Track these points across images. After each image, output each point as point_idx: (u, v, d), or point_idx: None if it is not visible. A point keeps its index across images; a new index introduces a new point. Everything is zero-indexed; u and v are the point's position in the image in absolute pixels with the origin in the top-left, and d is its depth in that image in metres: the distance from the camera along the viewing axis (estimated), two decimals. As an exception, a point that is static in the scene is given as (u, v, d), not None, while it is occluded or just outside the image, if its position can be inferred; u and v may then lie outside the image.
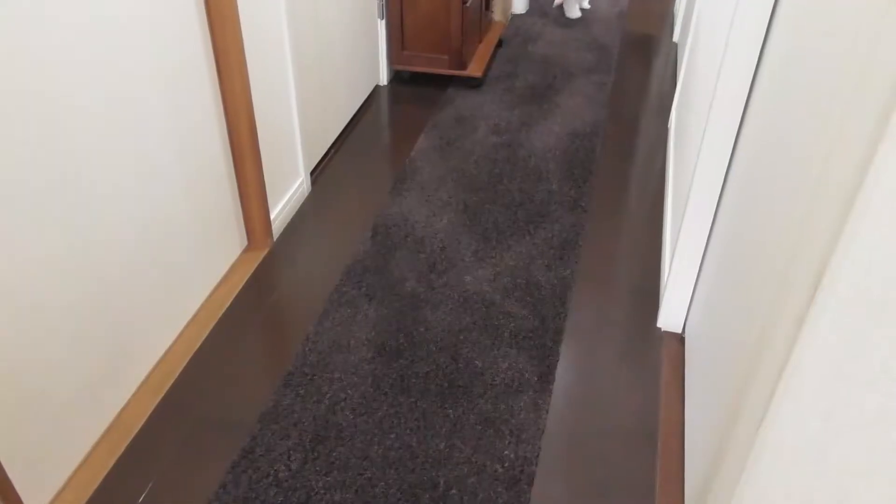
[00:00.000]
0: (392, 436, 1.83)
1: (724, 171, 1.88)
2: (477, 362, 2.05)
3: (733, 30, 1.70)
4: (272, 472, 1.74)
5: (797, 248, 0.94)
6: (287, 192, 2.67)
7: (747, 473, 0.99)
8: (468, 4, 3.50)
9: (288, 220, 2.67)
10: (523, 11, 4.69)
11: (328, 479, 1.72)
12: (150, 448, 1.81)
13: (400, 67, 3.69)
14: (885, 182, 0.67)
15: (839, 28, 1.05)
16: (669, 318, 2.18)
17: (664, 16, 4.77)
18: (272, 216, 2.53)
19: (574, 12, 4.28)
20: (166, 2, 1.83)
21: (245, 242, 2.48)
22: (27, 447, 1.56)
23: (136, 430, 1.85)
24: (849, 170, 0.76)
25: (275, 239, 2.56)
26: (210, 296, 2.27)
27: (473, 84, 3.70)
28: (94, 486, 1.72)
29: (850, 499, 0.66)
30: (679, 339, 2.17)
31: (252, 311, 2.26)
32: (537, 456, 1.79)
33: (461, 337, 2.13)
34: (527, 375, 2.01)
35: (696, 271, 2.06)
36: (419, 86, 3.71)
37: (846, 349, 0.70)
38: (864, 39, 0.88)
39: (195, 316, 2.19)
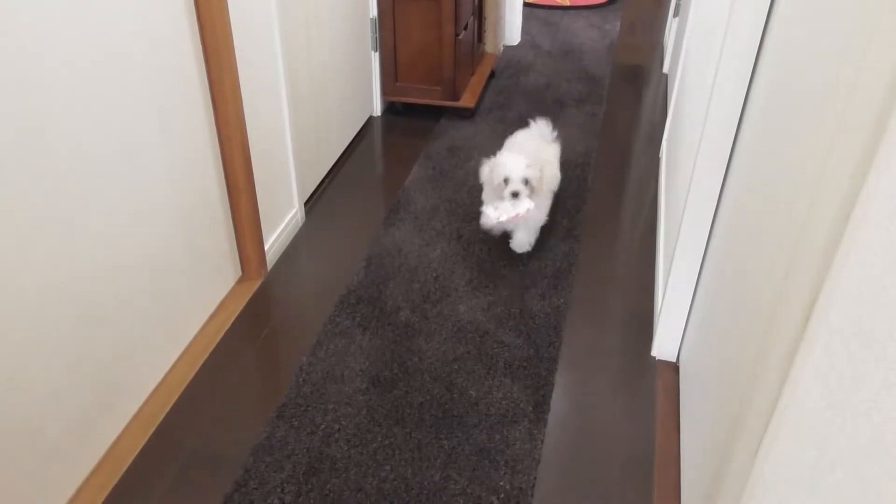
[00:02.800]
0: (387, 467, 1.81)
1: (716, 199, 1.90)
2: (471, 392, 2.04)
3: (722, 61, 1.73)
4: (266, 505, 1.72)
5: (789, 278, 0.95)
6: (281, 223, 2.67)
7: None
8: (461, 37, 3.55)
9: (282, 250, 2.67)
10: (515, 43, 4.75)
11: (322, 512, 1.70)
12: (143, 482, 1.79)
13: (393, 99, 3.72)
14: (873, 213, 0.68)
15: (826, 59, 1.07)
16: (664, 346, 2.18)
17: (654, 47, 4.84)
18: (266, 247, 2.53)
19: (489, 220, 2.51)
20: (161, 33, 1.86)
21: (239, 273, 2.48)
22: (18, 480, 1.55)
23: (128, 464, 1.83)
24: (838, 199, 0.77)
25: (269, 269, 2.56)
26: (204, 327, 2.26)
27: (466, 115, 3.73)
28: (85, 522, 1.69)
29: (847, 529, 0.66)
30: (674, 367, 2.17)
31: (246, 341, 2.25)
32: (533, 486, 1.78)
33: (455, 367, 2.13)
34: (521, 405, 2.00)
35: (690, 300, 2.07)
36: (412, 117, 3.74)
37: (839, 379, 0.70)
38: (850, 71, 0.90)
39: (189, 347, 2.18)
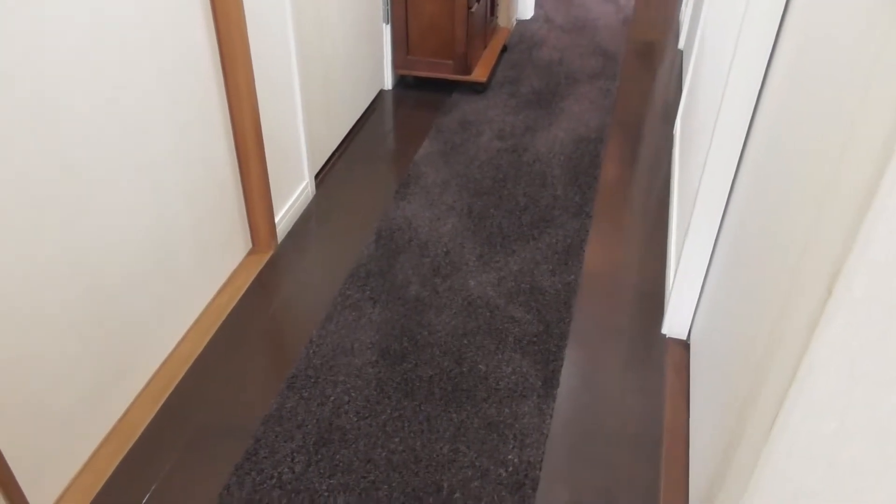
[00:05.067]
0: (396, 439, 1.82)
1: (732, 175, 1.88)
2: (481, 366, 2.04)
3: (741, 36, 1.70)
4: (276, 474, 1.73)
5: (809, 250, 0.93)
6: (292, 196, 2.67)
7: (757, 476, 0.99)
8: (473, 10, 3.51)
9: (292, 223, 2.67)
10: (528, 17, 4.70)
11: (332, 481, 1.71)
12: (154, 451, 1.81)
13: (405, 72, 3.69)
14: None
15: (849, 30, 1.05)
16: (674, 324, 2.17)
17: (669, 23, 4.78)
18: (277, 219, 2.53)
19: None
20: (172, 4, 1.84)
21: (249, 245, 2.48)
22: (32, 450, 1.56)
23: (139, 434, 1.85)
24: (864, 171, 0.76)
25: (279, 242, 2.56)
26: (214, 299, 2.27)
27: (478, 89, 3.70)
28: (97, 489, 1.71)
29: (862, 499, 0.66)
30: (684, 345, 2.16)
31: (256, 314, 2.25)
32: (541, 461, 1.78)
33: (465, 341, 2.13)
34: (531, 380, 2.00)
35: (702, 277, 2.06)
36: (424, 90, 3.72)
37: (861, 349, 0.69)
38: (874, 40, 0.88)
39: (199, 319, 2.19)
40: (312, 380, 1.99)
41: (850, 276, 0.72)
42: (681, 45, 4.28)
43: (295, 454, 1.78)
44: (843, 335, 0.72)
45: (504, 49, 4.17)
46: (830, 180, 0.92)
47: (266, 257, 2.48)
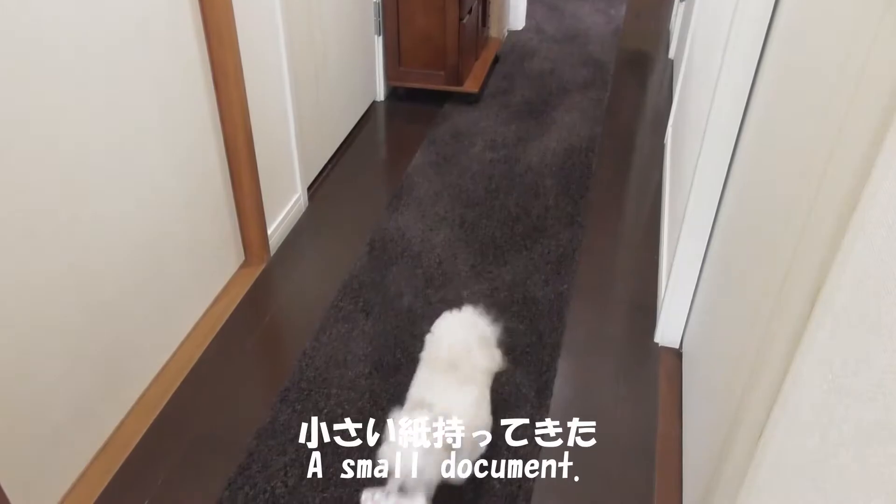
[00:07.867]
0: (389, 452, 1.81)
1: (721, 185, 1.89)
2: (474, 378, 2.04)
3: (729, 47, 1.71)
4: (269, 488, 1.72)
5: (794, 263, 0.94)
6: (284, 208, 2.67)
7: (746, 490, 0.99)
8: (465, 21, 3.52)
9: (285, 235, 2.67)
10: (520, 28, 4.72)
11: (325, 495, 1.71)
12: (146, 466, 1.80)
13: (397, 83, 3.70)
14: (881, 197, 0.67)
15: (834, 46, 1.06)
16: (667, 333, 2.18)
17: (660, 33, 4.81)
18: (269, 232, 2.53)
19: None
20: (163, 18, 1.84)
21: (242, 258, 2.48)
22: (23, 465, 1.55)
23: (131, 448, 1.84)
24: (846, 185, 0.77)
25: (272, 254, 2.56)
26: (206, 312, 2.26)
27: (470, 100, 3.71)
28: (89, 504, 1.70)
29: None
30: (676, 354, 2.16)
31: (249, 327, 2.25)
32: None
33: (458, 352, 2.13)
34: (524, 390, 2.00)
35: (694, 286, 2.06)
36: (416, 102, 3.73)
37: (843, 364, 0.70)
38: (859, 55, 0.89)
39: (191, 333, 2.18)
40: (305, 392, 1.98)
41: (833, 290, 0.72)
42: (671, 54, 4.30)
43: (288, 468, 1.77)
44: (826, 349, 0.73)
45: (496, 60, 4.18)
46: (816, 193, 0.93)
47: (259, 270, 2.48)
